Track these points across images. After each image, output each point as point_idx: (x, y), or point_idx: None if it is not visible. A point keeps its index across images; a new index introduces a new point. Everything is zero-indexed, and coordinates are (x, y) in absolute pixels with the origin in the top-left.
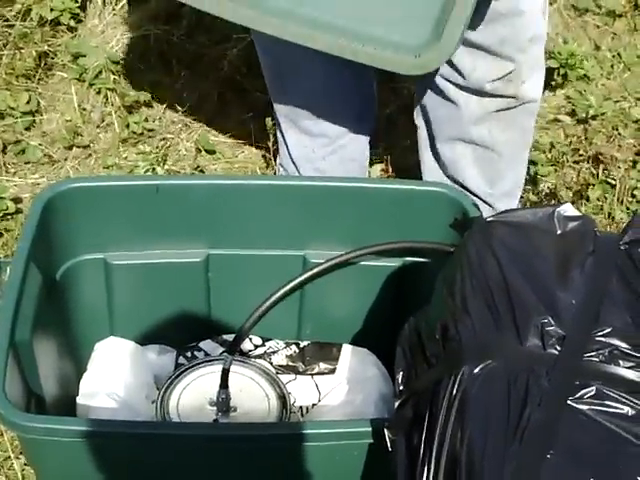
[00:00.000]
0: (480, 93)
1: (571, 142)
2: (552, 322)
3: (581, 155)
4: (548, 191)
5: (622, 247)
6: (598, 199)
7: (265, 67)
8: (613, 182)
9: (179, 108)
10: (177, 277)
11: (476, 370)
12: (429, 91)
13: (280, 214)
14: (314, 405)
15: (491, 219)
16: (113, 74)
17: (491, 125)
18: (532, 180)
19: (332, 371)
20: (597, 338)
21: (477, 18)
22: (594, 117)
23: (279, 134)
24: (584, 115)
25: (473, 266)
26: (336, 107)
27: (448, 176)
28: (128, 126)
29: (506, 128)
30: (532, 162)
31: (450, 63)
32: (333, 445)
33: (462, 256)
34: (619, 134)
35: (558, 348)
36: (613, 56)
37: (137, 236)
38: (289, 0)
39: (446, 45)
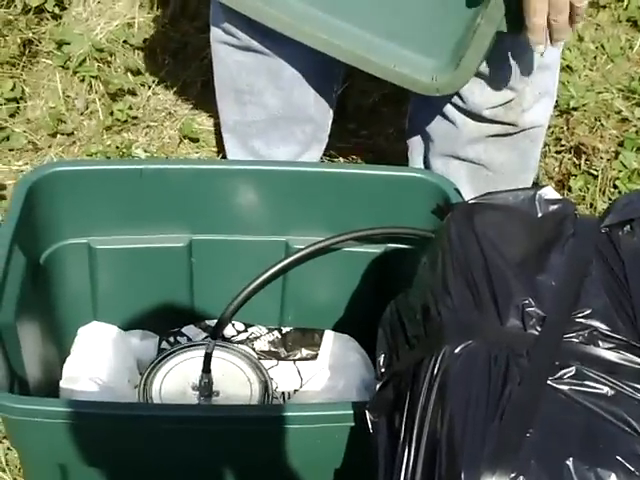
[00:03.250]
0: (478, 118)
1: (553, 132)
2: (532, 303)
3: (563, 145)
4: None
5: (602, 230)
6: (580, 189)
7: (220, 79)
8: (595, 173)
9: (163, 96)
10: (160, 262)
11: (457, 350)
12: (426, 106)
13: (262, 199)
14: (296, 391)
15: (473, 201)
16: (97, 62)
17: (487, 145)
18: None
19: (314, 357)
20: (577, 319)
21: (498, 52)
22: (576, 108)
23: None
24: (566, 106)
25: (454, 247)
26: (294, 131)
27: None
28: (112, 114)
29: (503, 149)
30: None
31: None
32: (314, 428)
33: (444, 237)
34: (601, 125)
35: (538, 329)
36: (596, 47)
37: (121, 221)
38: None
39: (462, 73)
